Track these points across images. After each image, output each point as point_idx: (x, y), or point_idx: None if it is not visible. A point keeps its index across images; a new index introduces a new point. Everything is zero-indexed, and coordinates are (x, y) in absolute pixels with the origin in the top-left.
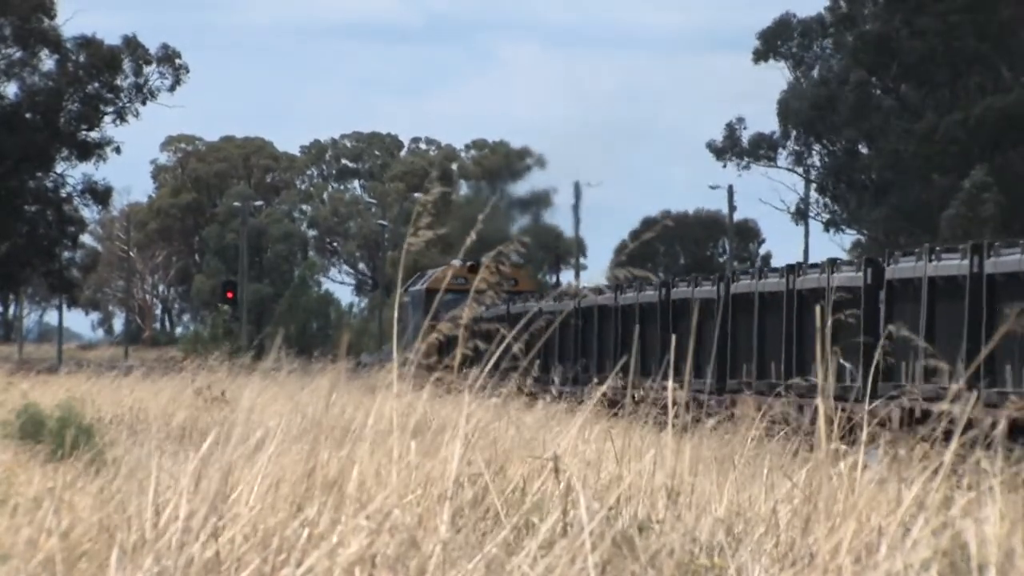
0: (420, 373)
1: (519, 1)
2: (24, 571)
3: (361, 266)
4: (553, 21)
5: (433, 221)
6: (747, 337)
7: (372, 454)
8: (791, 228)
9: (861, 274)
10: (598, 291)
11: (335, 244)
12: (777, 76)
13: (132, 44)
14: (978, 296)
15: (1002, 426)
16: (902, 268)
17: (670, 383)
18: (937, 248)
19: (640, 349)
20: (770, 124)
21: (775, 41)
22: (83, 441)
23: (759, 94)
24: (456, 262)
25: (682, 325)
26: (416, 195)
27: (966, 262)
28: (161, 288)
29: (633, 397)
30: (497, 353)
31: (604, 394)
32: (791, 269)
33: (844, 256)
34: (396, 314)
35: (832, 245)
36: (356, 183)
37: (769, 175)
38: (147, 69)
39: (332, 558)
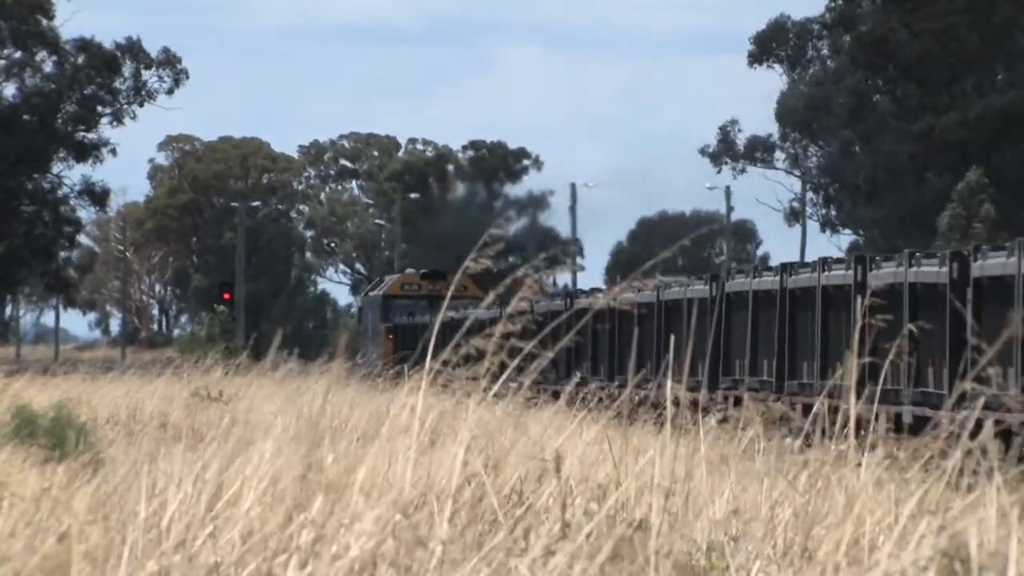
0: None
1: (521, 4)
2: (23, 572)
3: (358, 266)
4: (555, 23)
5: (495, 254)
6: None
7: (375, 456)
8: (788, 229)
9: (708, 287)
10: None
11: (332, 244)
12: (774, 78)
13: (134, 48)
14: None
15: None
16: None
17: (669, 383)
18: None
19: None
20: (767, 126)
21: (770, 44)
22: (79, 441)
23: (759, 95)
24: (410, 270)
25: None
26: (412, 195)
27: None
28: (158, 288)
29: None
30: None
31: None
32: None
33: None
34: (391, 319)
35: (829, 246)
36: (354, 183)
37: (767, 176)
38: (147, 73)
39: (333, 561)
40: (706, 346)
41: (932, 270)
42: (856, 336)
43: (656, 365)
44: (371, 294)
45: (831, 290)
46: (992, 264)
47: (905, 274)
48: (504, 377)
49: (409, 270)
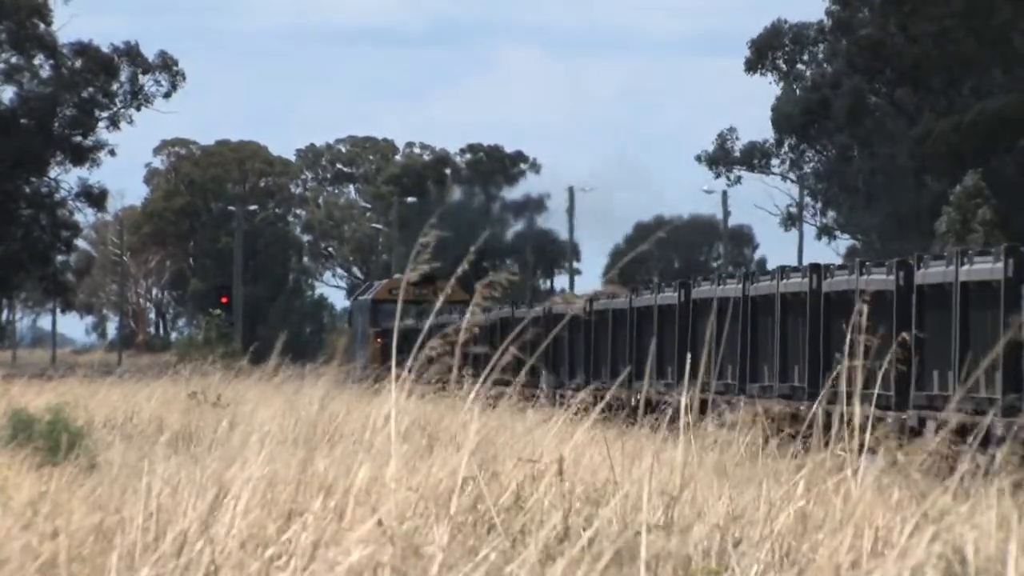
0: (372, 372)
1: (520, 5)
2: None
3: (355, 270)
4: (553, 26)
5: (431, 257)
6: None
7: (370, 461)
8: (785, 233)
9: (677, 294)
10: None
11: (330, 248)
12: (771, 84)
13: (132, 52)
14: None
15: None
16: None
17: (684, 390)
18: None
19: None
20: (765, 130)
21: (766, 50)
22: (75, 444)
23: (757, 98)
24: (398, 275)
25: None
26: (410, 199)
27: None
28: (155, 292)
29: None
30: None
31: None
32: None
33: (839, 262)
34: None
35: (828, 251)
36: (351, 187)
37: (764, 180)
38: (143, 77)
39: (331, 567)
40: (674, 350)
41: (880, 278)
42: (860, 344)
43: (632, 368)
44: (360, 298)
45: (789, 297)
46: (933, 272)
47: (856, 282)
48: (484, 379)
49: (397, 275)
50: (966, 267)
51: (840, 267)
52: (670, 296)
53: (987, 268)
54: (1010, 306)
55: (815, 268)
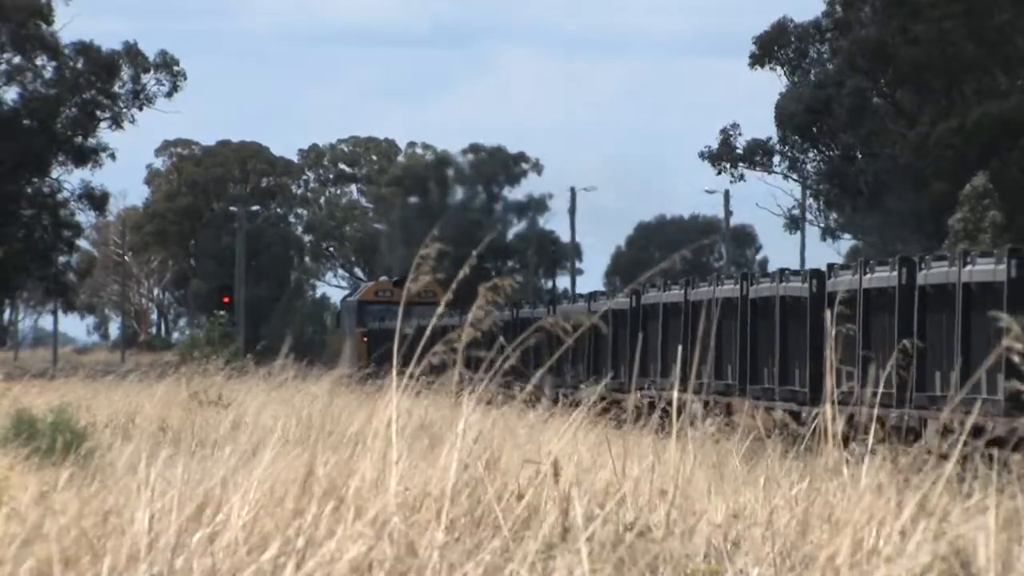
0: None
1: (521, 7)
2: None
3: (357, 270)
4: (555, 26)
5: (434, 267)
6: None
7: (370, 460)
8: (788, 234)
9: (628, 300)
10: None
11: (331, 248)
12: (775, 81)
13: (132, 52)
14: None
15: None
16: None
17: (676, 390)
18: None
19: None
20: (768, 129)
21: (772, 46)
22: (78, 445)
23: (759, 98)
24: (384, 278)
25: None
26: (411, 200)
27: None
28: (157, 292)
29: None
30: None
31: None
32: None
33: (840, 263)
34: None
35: (830, 251)
36: (353, 187)
37: (766, 180)
38: (145, 76)
39: (330, 565)
40: (627, 351)
41: (797, 285)
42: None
43: (587, 369)
44: (348, 300)
45: (722, 302)
46: (841, 281)
47: (777, 288)
48: (486, 382)
49: (383, 278)
50: (868, 275)
51: (764, 275)
52: (623, 302)
53: (885, 276)
54: (904, 310)
55: (744, 276)
